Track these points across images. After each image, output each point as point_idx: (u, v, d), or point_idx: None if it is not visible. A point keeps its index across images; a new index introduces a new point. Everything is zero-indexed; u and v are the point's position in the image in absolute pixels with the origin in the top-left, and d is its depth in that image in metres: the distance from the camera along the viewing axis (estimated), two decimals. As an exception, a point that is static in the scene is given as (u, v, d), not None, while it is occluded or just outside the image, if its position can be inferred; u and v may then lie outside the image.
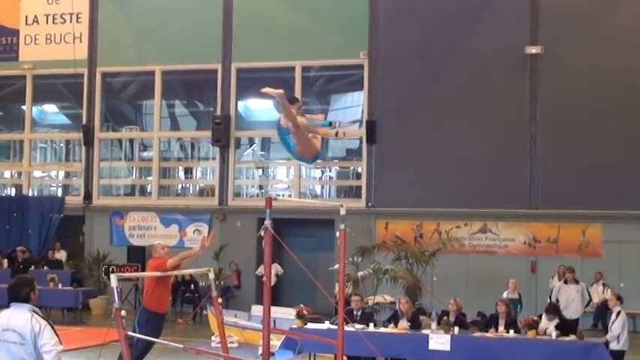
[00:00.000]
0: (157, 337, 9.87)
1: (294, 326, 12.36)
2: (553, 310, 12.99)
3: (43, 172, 24.99)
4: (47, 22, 23.41)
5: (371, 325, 12.44)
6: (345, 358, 9.59)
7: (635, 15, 19.83)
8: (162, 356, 10.22)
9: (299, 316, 12.59)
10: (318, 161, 21.11)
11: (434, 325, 12.12)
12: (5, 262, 21.47)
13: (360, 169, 21.50)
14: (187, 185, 23.76)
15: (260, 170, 23.18)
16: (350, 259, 15.44)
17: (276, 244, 7.97)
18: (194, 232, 21.76)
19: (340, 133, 8.18)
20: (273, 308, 8.72)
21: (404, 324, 12.57)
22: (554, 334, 11.84)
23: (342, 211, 9.12)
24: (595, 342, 11.80)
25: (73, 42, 22.69)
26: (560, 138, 19.58)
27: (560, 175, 19.44)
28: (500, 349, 11.67)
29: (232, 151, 22.04)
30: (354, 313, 12.70)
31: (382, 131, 20.64)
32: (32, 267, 20.54)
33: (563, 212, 19.34)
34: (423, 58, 20.56)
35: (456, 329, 11.98)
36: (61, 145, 24.49)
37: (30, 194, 23.59)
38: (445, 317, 12.53)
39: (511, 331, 12.09)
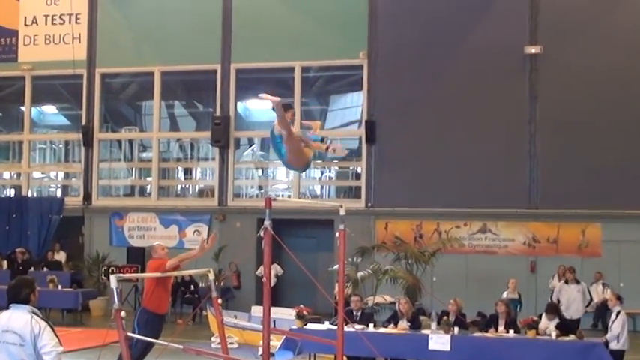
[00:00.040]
0: (156, 338, 9.88)
1: (294, 327, 12.36)
2: (553, 309, 12.99)
3: (42, 173, 24.99)
4: (46, 23, 23.38)
5: (371, 325, 12.43)
6: (345, 358, 9.58)
7: (634, 15, 19.84)
8: (162, 357, 10.22)
9: (299, 316, 12.60)
10: (318, 161, 21.29)
11: (434, 325, 12.11)
12: (5, 263, 21.47)
13: (359, 170, 21.49)
14: (187, 186, 23.76)
15: (259, 171, 23.16)
16: (350, 259, 15.42)
17: (276, 245, 7.97)
18: (194, 232, 21.75)
19: (331, 149, 8.66)
20: (273, 309, 8.71)
21: (404, 324, 12.57)
22: (553, 333, 11.84)
23: (342, 212, 9.12)
24: (595, 342, 11.80)
25: (72, 43, 22.64)
26: (560, 138, 19.59)
27: (559, 175, 19.45)
28: (500, 349, 11.69)
29: (232, 151, 22.03)
30: (354, 313, 12.70)
31: (382, 131, 20.63)
32: (32, 268, 20.57)
33: (562, 212, 19.34)
34: (423, 58, 20.56)
35: (456, 329, 11.98)
36: (61, 146, 24.46)
37: (29, 195, 23.59)
38: (445, 317, 12.53)
39: (511, 331, 12.09)
